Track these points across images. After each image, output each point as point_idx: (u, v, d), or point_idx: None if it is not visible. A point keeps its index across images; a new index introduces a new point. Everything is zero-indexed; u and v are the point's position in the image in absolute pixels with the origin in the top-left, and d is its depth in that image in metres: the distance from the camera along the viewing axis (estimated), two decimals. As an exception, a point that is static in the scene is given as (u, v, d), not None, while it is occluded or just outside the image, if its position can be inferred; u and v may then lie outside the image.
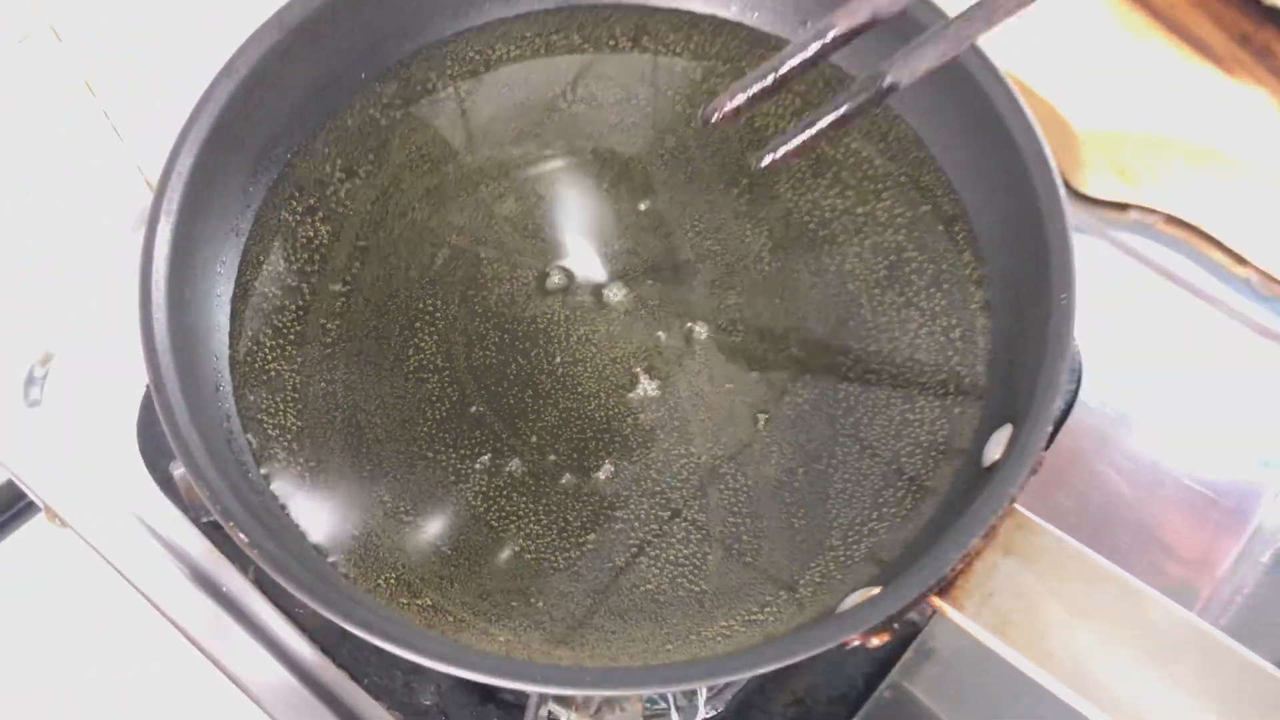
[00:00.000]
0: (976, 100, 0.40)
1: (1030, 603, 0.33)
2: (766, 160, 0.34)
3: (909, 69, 0.33)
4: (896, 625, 0.34)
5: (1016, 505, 0.34)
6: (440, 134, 0.44)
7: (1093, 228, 0.51)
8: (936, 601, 0.34)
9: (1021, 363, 0.37)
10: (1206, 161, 0.49)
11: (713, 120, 0.34)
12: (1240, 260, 0.49)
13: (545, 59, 0.46)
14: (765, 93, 0.34)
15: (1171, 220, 0.51)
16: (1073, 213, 0.50)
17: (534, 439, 0.39)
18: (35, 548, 0.49)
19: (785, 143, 0.34)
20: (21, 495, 0.48)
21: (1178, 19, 0.53)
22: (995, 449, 0.36)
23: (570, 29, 0.46)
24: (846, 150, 0.44)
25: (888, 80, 0.33)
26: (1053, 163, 0.38)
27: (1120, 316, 0.49)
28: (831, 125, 0.34)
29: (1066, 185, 0.51)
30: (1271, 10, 0.52)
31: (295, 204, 0.42)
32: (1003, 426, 0.36)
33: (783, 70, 0.33)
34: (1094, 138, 0.50)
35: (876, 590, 0.34)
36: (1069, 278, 0.36)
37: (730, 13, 0.46)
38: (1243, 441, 0.46)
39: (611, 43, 0.46)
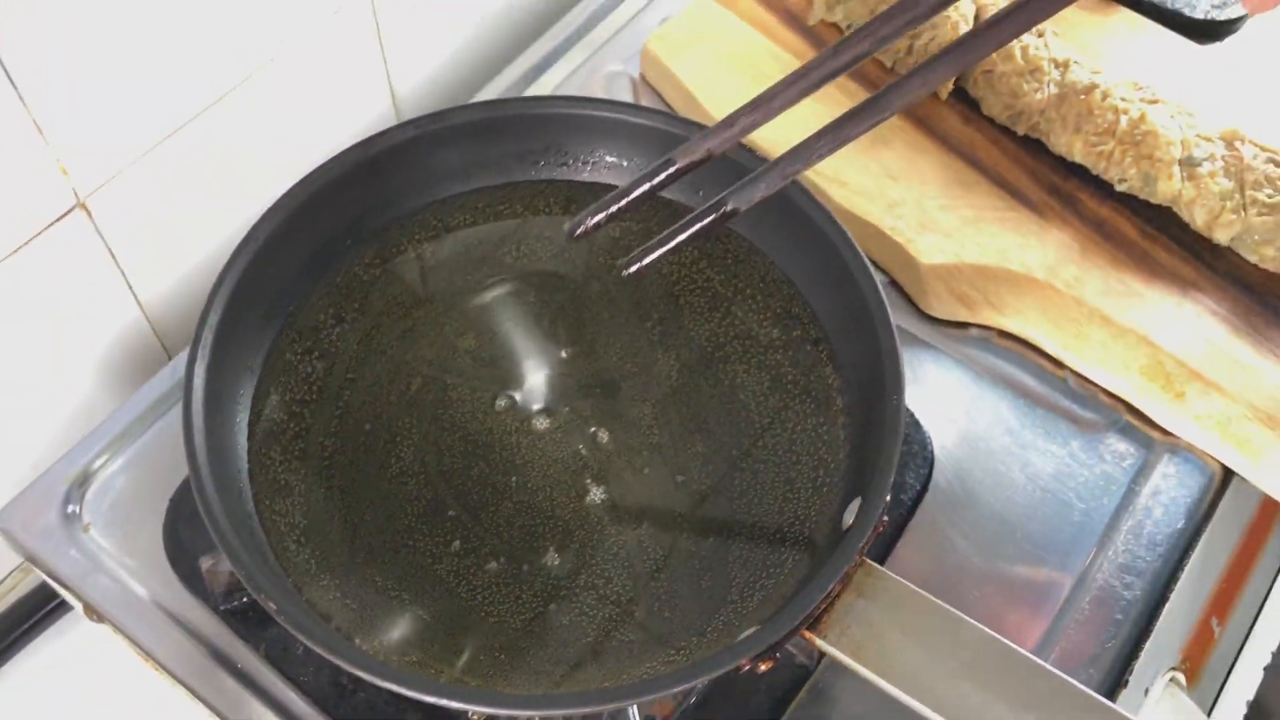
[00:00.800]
0: (832, 253, 0.52)
1: (877, 631, 0.44)
2: (632, 269, 0.43)
3: (745, 198, 0.42)
4: (779, 654, 0.44)
5: (866, 558, 0.45)
6: (412, 285, 0.55)
7: (941, 344, 0.62)
8: (808, 634, 0.44)
9: (870, 449, 0.48)
10: (1027, 288, 0.62)
11: (576, 234, 0.42)
12: (1059, 365, 0.61)
13: (494, 223, 0.57)
14: (619, 212, 0.42)
15: (1004, 335, 0.62)
16: (923, 332, 0.63)
17: (494, 527, 0.49)
18: (75, 639, 0.57)
19: (646, 255, 0.43)
20: (53, 595, 0.57)
21: (1001, 174, 0.66)
22: (850, 516, 0.47)
23: (514, 200, 0.58)
24: (734, 289, 0.56)
25: (729, 206, 0.42)
26: (885, 300, 0.49)
27: (965, 413, 0.60)
28: (684, 242, 0.42)
29: (918, 309, 0.63)
30: (1075, 166, 0.65)
31: (296, 346, 0.53)
32: (856, 499, 0.47)
33: (634, 194, 0.42)
34: (937, 271, 0.62)
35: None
36: (899, 384, 0.47)
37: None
38: (1065, 510, 0.57)
39: (547, 210, 0.58)
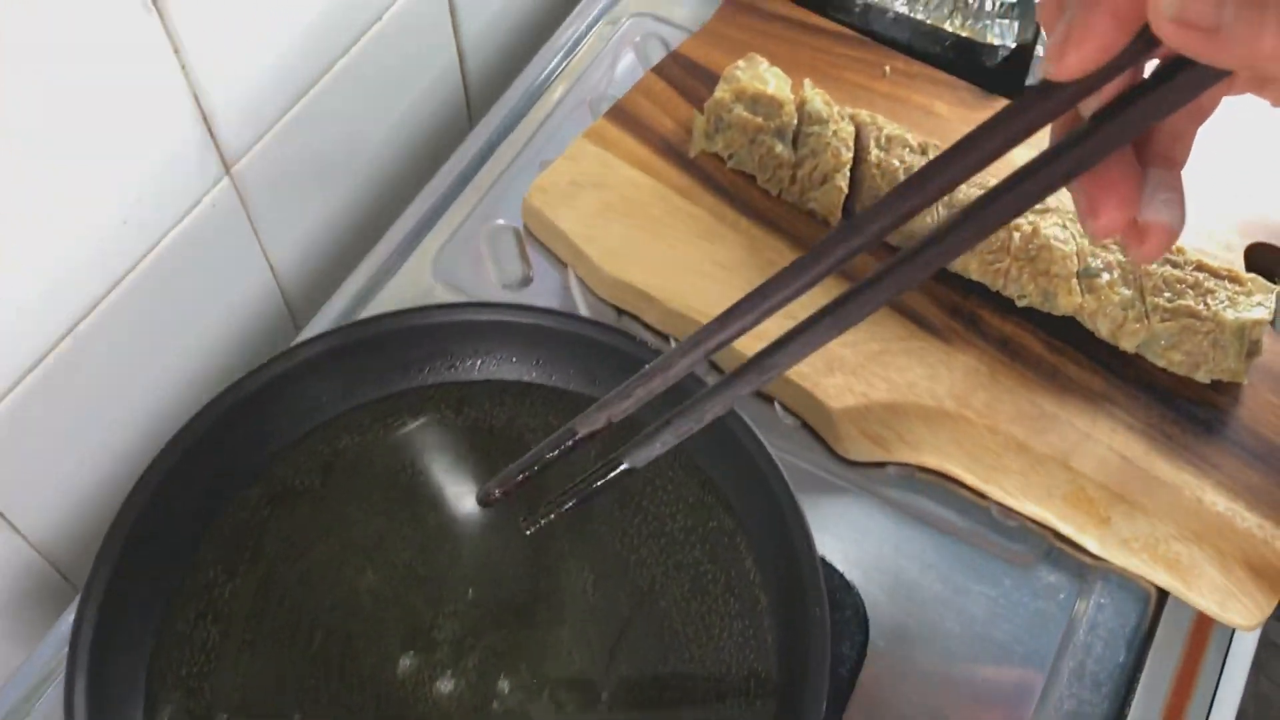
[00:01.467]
0: (737, 444, 0.50)
1: None
2: (531, 530, 0.44)
3: (642, 455, 0.41)
4: None
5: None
6: (303, 523, 0.52)
7: (861, 486, 0.61)
8: None
9: (798, 657, 0.47)
10: (940, 421, 0.60)
11: (485, 502, 0.43)
12: (981, 496, 0.60)
13: (385, 440, 0.54)
14: (525, 480, 0.43)
15: (924, 469, 0.61)
16: (841, 476, 0.61)
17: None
18: None
19: (548, 514, 0.43)
20: None
21: (900, 300, 0.64)
22: (786, 743, 0.45)
23: (402, 410, 0.55)
24: (644, 480, 0.54)
25: (624, 465, 0.41)
26: (798, 502, 0.48)
27: (893, 561, 0.59)
28: (582, 500, 0.42)
29: (833, 453, 0.62)
30: (975, 283, 0.64)
31: (188, 612, 0.50)
32: (789, 722, 0.46)
33: (538, 465, 0.42)
34: (848, 414, 0.60)
35: None
36: (820, 596, 0.46)
37: (532, 378, 0.55)
38: (1005, 657, 0.56)
39: (439, 416, 0.55)
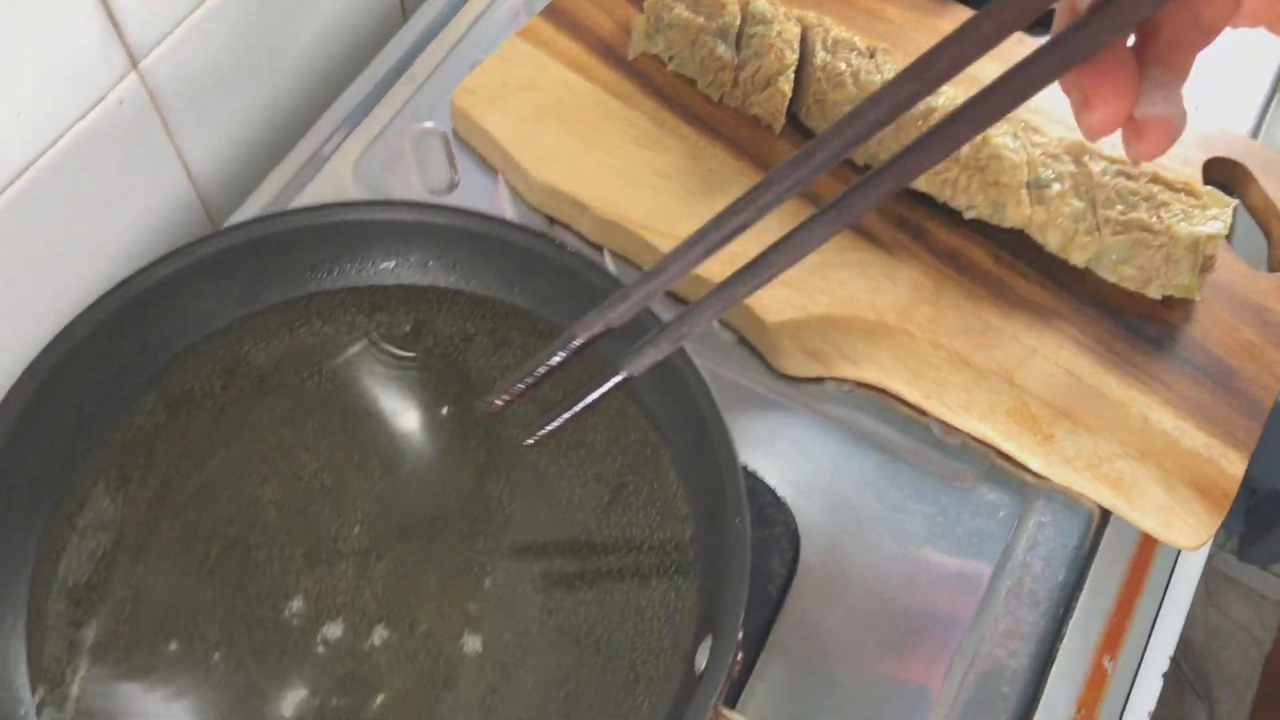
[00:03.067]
0: (668, 363, 0.47)
1: (738, 793, 0.40)
2: (532, 440, 0.43)
3: (639, 364, 0.40)
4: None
5: (722, 708, 0.41)
6: (204, 430, 0.49)
7: (797, 402, 0.58)
8: (666, 802, 0.40)
9: (719, 577, 0.44)
10: (881, 335, 0.58)
11: (489, 412, 0.43)
12: (922, 413, 0.58)
13: (290, 344, 0.51)
14: (526, 389, 0.42)
15: (862, 385, 0.59)
16: (778, 391, 0.59)
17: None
18: None
19: (546, 425, 0.43)
20: None
21: (845, 209, 0.61)
22: (702, 659, 0.43)
23: (310, 315, 0.52)
24: (564, 391, 0.51)
25: (623, 374, 0.40)
26: (724, 421, 0.45)
27: (829, 478, 0.57)
28: (582, 411, 0.42)
29: (771, 369, 0.59)
30: (922, 193, 0.61)
31: (76, 519, 0.47)
32: (708, 637, 0.43)
33: (538, 373, 0.41)
34: (785, 328, 0.58)
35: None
36: (741, 506, 0.43)
37: (448, 283, 0.52)
38: (940, 577, 0.54)
39: (349, 322, 0.52)
